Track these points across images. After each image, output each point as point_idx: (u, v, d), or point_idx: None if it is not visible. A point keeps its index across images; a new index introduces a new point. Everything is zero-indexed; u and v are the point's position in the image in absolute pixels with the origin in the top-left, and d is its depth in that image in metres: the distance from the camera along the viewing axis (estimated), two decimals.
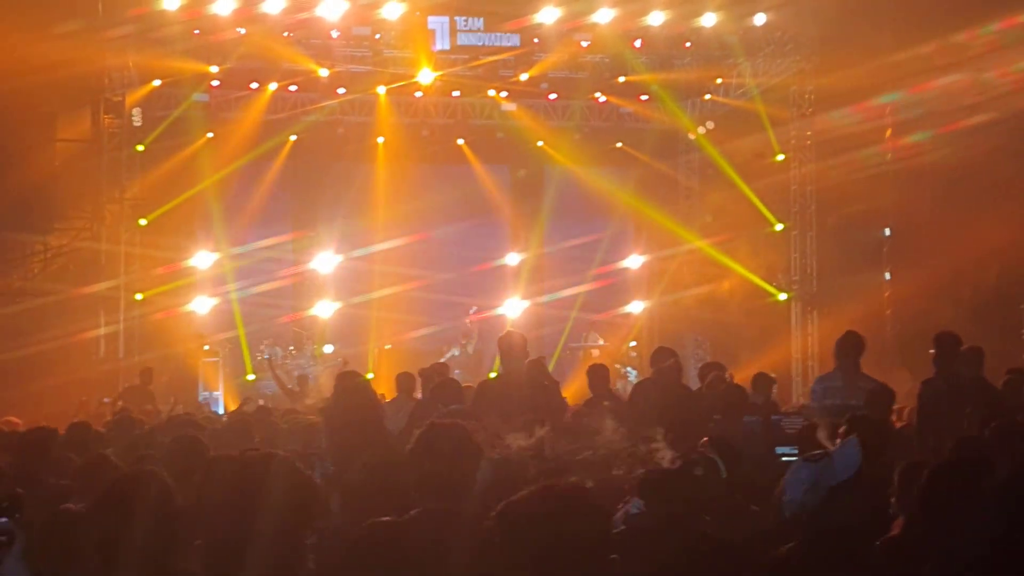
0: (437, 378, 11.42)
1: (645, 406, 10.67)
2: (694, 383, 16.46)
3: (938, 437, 9.62)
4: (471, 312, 28.31)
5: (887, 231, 26.16)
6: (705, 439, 7.99)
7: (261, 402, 20.24)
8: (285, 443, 10.81)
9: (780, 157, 26.85)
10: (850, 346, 10.89)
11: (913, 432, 10.73)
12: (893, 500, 6.86)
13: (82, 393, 20.92)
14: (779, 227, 26.95)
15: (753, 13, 25.15)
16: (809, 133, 26.50)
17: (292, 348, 27.32)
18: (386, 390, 19.73)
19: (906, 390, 17.29)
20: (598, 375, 12.19)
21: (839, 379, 10.73)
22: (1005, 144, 22.42)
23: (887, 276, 26.09)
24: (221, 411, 23.44)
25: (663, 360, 11.33)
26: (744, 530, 7.13)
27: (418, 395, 16.74)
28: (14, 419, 13.49)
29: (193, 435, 8.04)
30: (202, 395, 24.88)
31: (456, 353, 27.23)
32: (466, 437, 5.65)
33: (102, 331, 24.75)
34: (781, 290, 26.84)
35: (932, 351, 10.85)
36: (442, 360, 23.85)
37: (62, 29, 21.86)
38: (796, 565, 5.96)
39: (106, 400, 20.23)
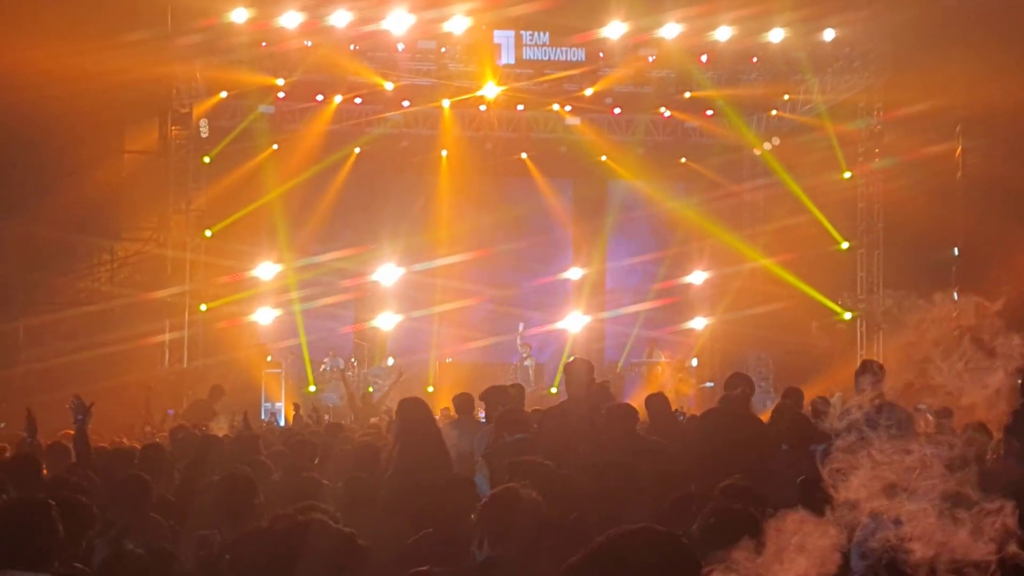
0: (500, 406, 11.31)
1: (708, 438, 10.52)
2: (759, 404, 16.34)
3: None
4: (520, 329, 28.20)
5: (956, 250, 25.78)
6: None
7: (327, 417, 20.25)
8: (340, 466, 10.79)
9: (847, 174, 26.56)
10: (871, 375, 10.54)
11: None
12: None
13: (147, 397, 21.06)
14: (845, 245, 26.64)
15: (822, 29, 24.89)
16: (877, 150, 26.19)
17: (353, 360, 27.37)
18: (447, 403, 19.76)
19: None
20: (656, 405, 12.07)
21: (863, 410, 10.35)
22: None
23: (955, 296, 25.66)
24: (282, 423, 23.54)
25: (733, 388, 11.14)
26: None
27: (479, 414, 16.75)
28: (71, 432, 13.48)
29: (244, 475, 7.93)
30: (264, 406, 24.96)
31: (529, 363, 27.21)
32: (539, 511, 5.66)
33: (167, 337, 24.95)
34: (846, 309, 26.54)
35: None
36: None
37: (131, 40, 22.02)
38: None
39: (170, 412, 20.33)
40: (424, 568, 5.63)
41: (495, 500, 5.71)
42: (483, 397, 12.23)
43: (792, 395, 13.00)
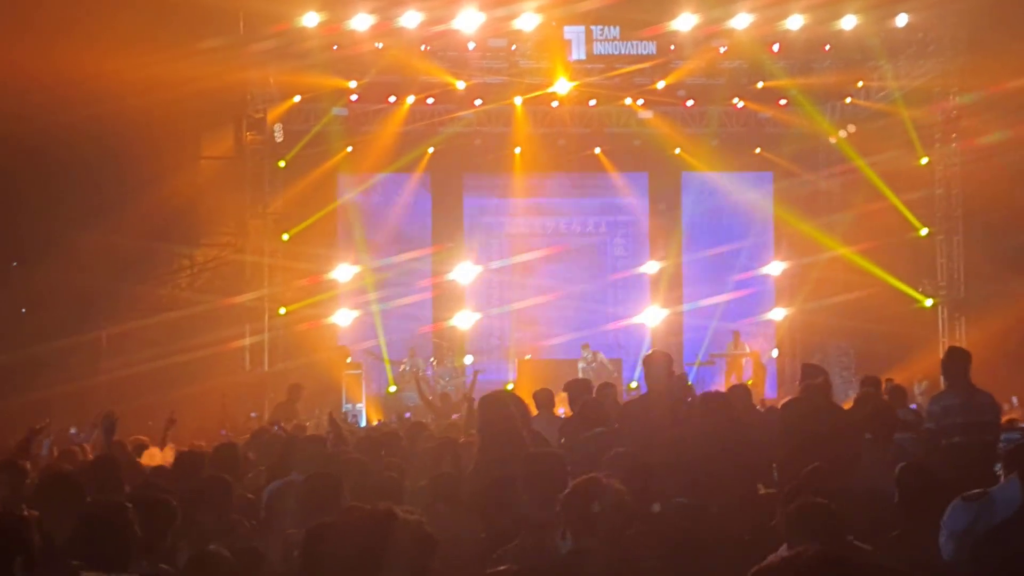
0: (583, 398, 11.31)
1: (790, 428, 10.47)
2: (841, 394, 16.17)
3: None
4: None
5: None
6: None
7: (408, 415, 20.34)
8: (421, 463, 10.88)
9: (924, 160, 26.24)
10: (959, 361, 10.49)
11: None
12: None
13: (222, 403, 21.34)
14: (924, 232, 26.34)
15: (895, 14, 24.60)
16: (954, 135, 25.87)
17: (432, 360, 27.46)
18: (527, 400, 19.69)
19: None
20: (738, 397, 12.00)
21: (955, 397, 10.29)
22: None
23: None
24: (364, 423, 23.69)
25: (812, 377, 11.04)
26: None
27: (560, 409, 16.77)
28: (143, 438, 13.67)
29: (329, 474, 8.04)
30: (345, 407, 25.11)
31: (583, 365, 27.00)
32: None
33: (247, 341, 25.22)
34: (927, 296, 26.23)
35: None
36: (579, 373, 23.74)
37: (204, 48, 22.27)
38: None
39: (253, 415, 20.54)
40: (503, 568, 5.60)
41: (577, 490, 5.68)
42: (566, 388, 12.21)
43: (870, 383, 12.88)
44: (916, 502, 7.05)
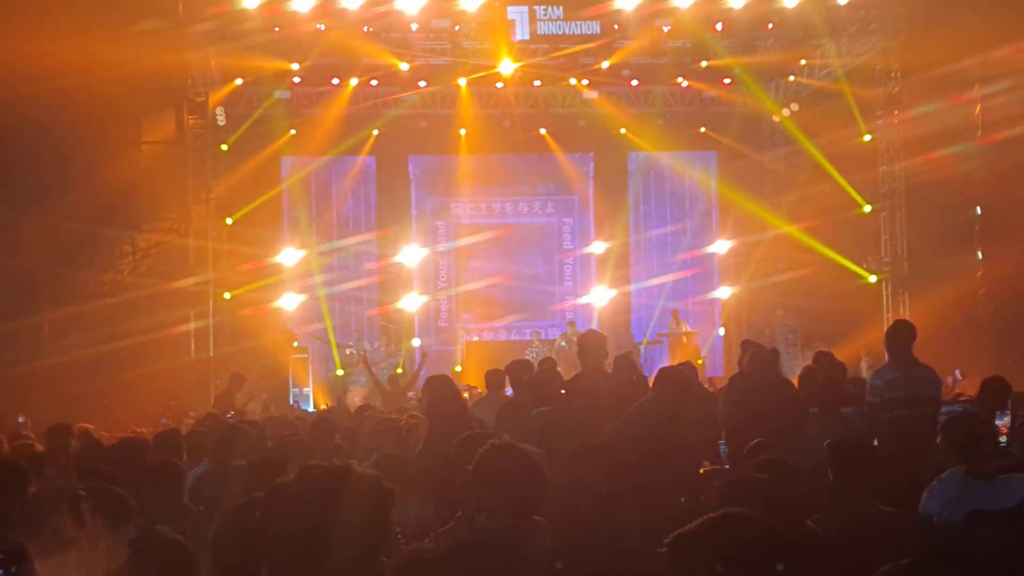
0: (524, 375, 11.25)
1: (737, 403, 10.53)
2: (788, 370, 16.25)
3: None
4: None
5: (978, 209, 25.62)
6: None
7: (358, 400, 20.25)
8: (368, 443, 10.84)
9: (867, 137, 26.39)
10: (903, 336, 10.53)
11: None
12: None
13: (175, 387, 21.18)
14: (868, 208, 26.51)
15: None
16: (896, 112, 26.04)
17: (380, 341, 27.36)
18: (476, 382, 19.71)
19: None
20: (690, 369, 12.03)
21: (897, 370, 10.33)
22: None
23: (979, 255, 25.56)
24: (311, 408, 23.58)
25: (758, 351, 11.10)
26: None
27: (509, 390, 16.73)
28: (87, 426, 13.47)
29: (272, 458, 7.99)
30: (292, 391, 24.98)
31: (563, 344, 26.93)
32: (529, 460, 5.43)
33: (192, 326, 25.02)
34: (871, 272, 26.41)
35: None
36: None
37: (144, 29, 22.00)
38: None
39: (191, 415, 20.33)
40: (413, 546, 5.45)
41: (485, 461, 5.44)
42: (508, 370, 12.18)
43: (823, 359, 12.95)
44: (848, 475, 7.06)
